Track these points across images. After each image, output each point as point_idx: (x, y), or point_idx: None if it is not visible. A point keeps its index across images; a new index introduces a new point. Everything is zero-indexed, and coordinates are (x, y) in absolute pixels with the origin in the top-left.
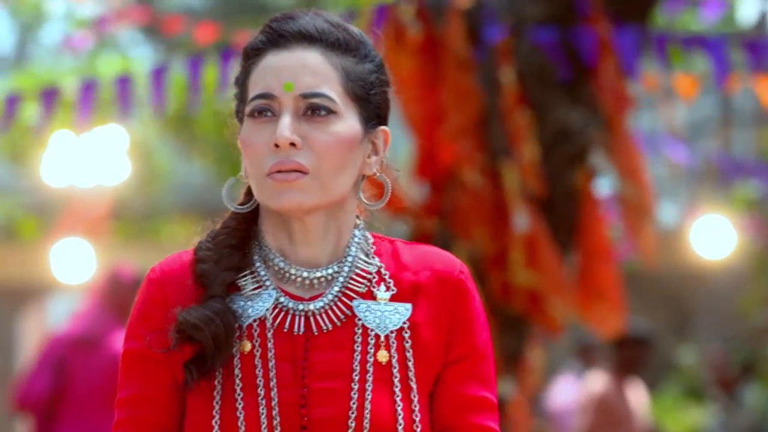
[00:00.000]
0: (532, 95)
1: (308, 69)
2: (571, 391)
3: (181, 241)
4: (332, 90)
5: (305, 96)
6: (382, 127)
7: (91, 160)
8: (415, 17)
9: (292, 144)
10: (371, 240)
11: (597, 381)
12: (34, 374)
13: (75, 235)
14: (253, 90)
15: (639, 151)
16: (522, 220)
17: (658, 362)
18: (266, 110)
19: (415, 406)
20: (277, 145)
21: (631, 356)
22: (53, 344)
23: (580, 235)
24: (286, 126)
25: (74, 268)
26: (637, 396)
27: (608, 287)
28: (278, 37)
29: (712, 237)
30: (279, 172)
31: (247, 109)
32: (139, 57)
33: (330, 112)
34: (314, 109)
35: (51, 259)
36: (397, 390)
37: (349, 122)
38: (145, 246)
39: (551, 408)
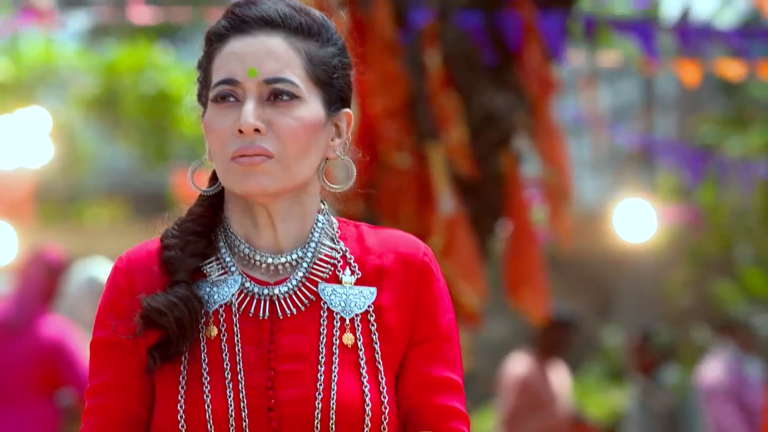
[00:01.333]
0: (459, 79)
1: (271, 54)
2: (723, 369)
3: (105, 224)
4: (295, 75)
5: (269, 81)
6: (345, 110)
7: (14, 142)
8: (342, 1)
9: (257, 130)
10: (336, 224)
11: (519, 363)
12: None
13: None
14: (217, 75)
15: (561, 135)
16: (447, 203)
17: (581, 344)
18: (230, 95)
19: (383, 388)
20: (241, 131)
21: (554, 339)
22: None
23: (506, 219)
24: (250, 112)
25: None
26: (560, 378)
27: (534, 271)
28: (241, 22)
29: (634, 220)
30: (242, 156)
31: (211, 94)
32: (64, 37)
33: (293, 96)
34: (277, 95)
35: None
36: (363, 372)
37: (312, 106)
38: (69, 229)
39: (704, 386)
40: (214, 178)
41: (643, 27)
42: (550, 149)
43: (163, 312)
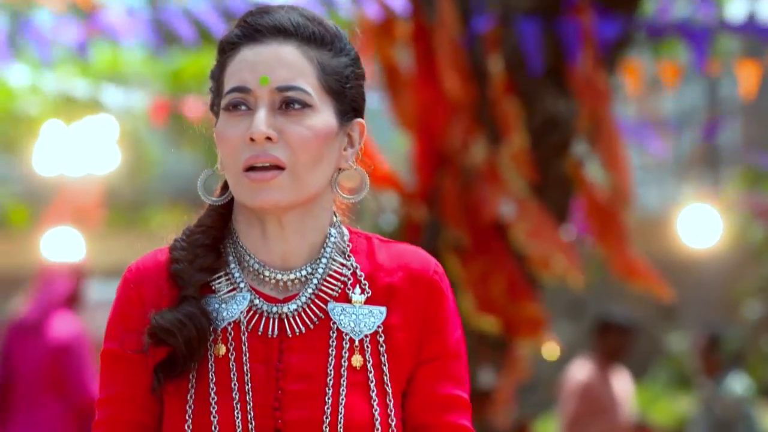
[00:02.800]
0: (520, 84)
1: (283, 63)
2: None
3: (171, 230)
4: (307, 83)
5: (280, 89)
6: (358, 120)
7: (82, 149)
8: (407, 4)
9: (268, 138)
10: (347, 236)
11: (581, 369)
12: None
13: (65, 223)
14: (229, 84)
15: (621, 140)
16: (513, 206)
17: (647, 350)
18: (241, 104)
19: (391, 410)
20: (252, 139)
21: (614, 344)
22: (4, 330)
23: (596, 224)
24: (261, 120)
25: (65, 257)
26: (622, 384)
27: (638, 266)
28: (253, 31)
29: (699, 226)
30: (254, 168)
31: (223, 102)
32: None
33: (305, 105)
34: (289, 103)
35: (42, 247)
36: (373, 395)
37: (324, 115)
38: (136, 235)
39: None
40: (224, 187)
41: (701, 32)
42: (611, 155)
43: (171, 331)
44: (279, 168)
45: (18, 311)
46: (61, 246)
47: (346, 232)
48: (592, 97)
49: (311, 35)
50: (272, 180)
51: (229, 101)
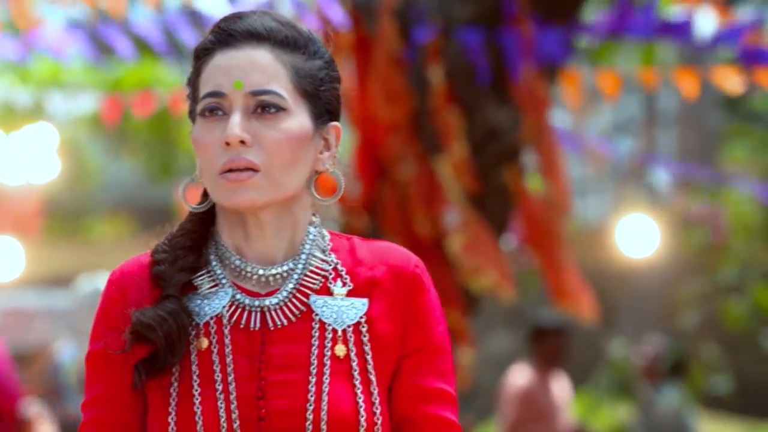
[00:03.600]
0: (461, 95)
1: (257, 67)
2: None
3: (111, 240)
4: (282, 87)
5: (255, 93)
6: (334, 123)
7: (21, 157)
8: (347, 17)
9: (242, 142)
10: (328, 237)
11: (520, 374)
12: None
13: (4, 232)
14: (204, 89)
15: (559, 150)
16: (454, 216)
17: (587, 356)
18: (217, 109)
19: (375, 399)
20: (228, 143)
21: (550, 348)
22: None
23: (519, 229)
24: (236, 124)
25: (4, 265)
26: (561, 389)
27: (566, 273)
28: (227, 36)
29: (637, 236)
30: (230, 170)
31: (198, 107)
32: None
33: (280, 109)
34: (264, 107)
35: None
36: (357, 383)
37: (299, 119)
38: (75, 244)
39: None
40: (204, 194)
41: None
42: (549, 164)
43: (152, 326)
44: (254, 171)
45: None
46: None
47: (326, 233)
48: (533, 107)
49: (284, 39)
50: (248, 180)
51: (205, 106)
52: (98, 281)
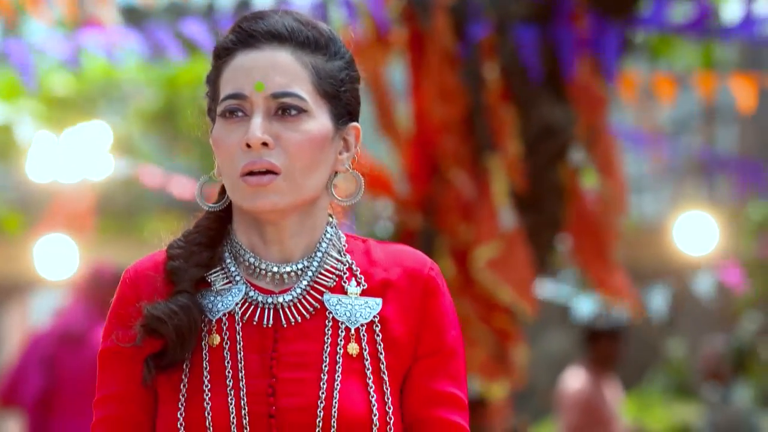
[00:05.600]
0: (516, 92)
1: (278, 68)
2: None
3: (164, 237)
4: (303, 89)
5: (276, 96)
6: (353, 124)
7: (75, 156)
8: (401, 14)
9: (264, 144)
10: (344, 238)
11: (576, 378)
12: (21, 371)
13: (59, 231)
14: (224, 90)
15: (617, 148)
16: (508, 216)
17: (643, 356)
18: (237, 110)
19: (388, 398)
20: (248, 145)
21: (605, 351)
22: (40, 341)
23: (579, 231)
24: (257, 126)
25: (58, 264)
26: (614, 393)
27: (610, 272)
28: (248, 37)
29: (696, 233)
30: (251, 173)
31: (219, 109)
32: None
33: (301, 111)
34: (285, 109)
35: (35, 255)
36: (370, 382)
37: (320, 120)
38: (129, 242)
39: None
40: (221, 192)
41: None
42: (606, 163)
43: (162, 320)
44: (275, 173)
45: (53, 321)
46: (55, 253)
47: (342, 234)
48: (588, 104)
49: (305, 40)
50: (269, 184)
51: (225, 107)
52: None
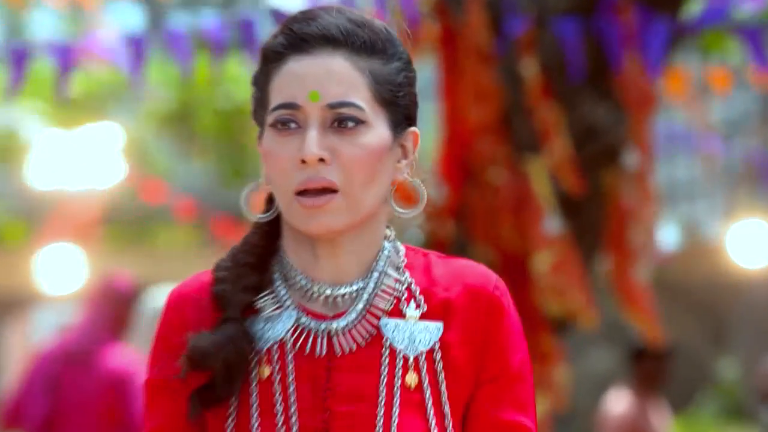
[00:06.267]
0: (558, 90)
1: (334, 76)
2: None
3: (179, 248)
4: (360, 98)
5: (332, 106)
6: (411, 129)
7: (83, 160)
8: (433, 9)
9: (321, 159)
10: (403, 252)
11: (620, 401)
12: (25, 391)
13: (64, 240)
14: (276, 98)
15: (652, 154)
16: (554, 222)
17: (692, 376)
18: (290, 121)
19: None
20: (303, 161)
21: (650, 372)
22: (45, 360)
23: (610, 239)
24: (313, 141)
25: (63, 276)
26: (661, 417)
27: (637, 293)
28: (300, 40)
29: (751, 244)
30: (306, 191)
31: (270, 118)
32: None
33: (359, 122)
34: (342, 120)
35: (38, 266)
36: (430, 415)
37: (378, 130)
38: (141, 253)
39: None
40: (269, 201)
41: (754, 32)
42: (640, 169)
43: (209, 353)
44: (332, 191)
45: (59, 338)
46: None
47: (401, 247)
48: (637, 103)
49: (362, 43)
50: (326, 205)
51: (277, 118)
52: (161, 296)
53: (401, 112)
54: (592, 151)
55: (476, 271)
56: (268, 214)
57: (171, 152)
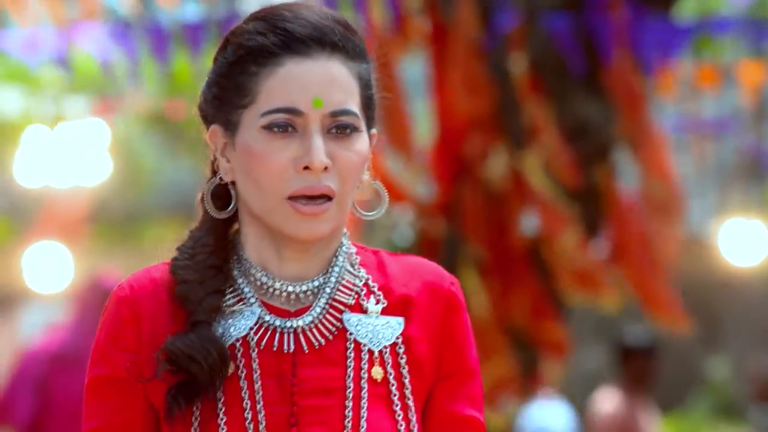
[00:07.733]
0: (547, 86)
1: (335, 83)
2: None
3: (167, 246)
4: (355, 104)
5: (334, 114)
6: (373, 131)
7: (69, 157)
8: (424, 4)
9: (325, 167)
10: (354, 250)
11: (608, 400)
12: (12, 392)
13: (50, 238)
14: (273, 101)
15: (664, 145)
16: (531, 221)
17: (683, 376)
18: (288, 125)
19: (414, 426)
20: (306, 168)
21: (638, 369)
22: (31, 360)
23: (609, 234)
24: (321, 150)
25: (49, 275)
26: (649, 416)
27: (652, 281)
28: (296, 42)
29: (743, 242)
30: (305, 197)
31: (263, 120)
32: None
33: (354, 129)
34: (340, 127)
35: (24, 264)
36: (397, 408)
37: (365, 136)
38: (128, 251)
39: None
40: (227, 197)
41: (749, 26)
42: (654, 160)
43: (195, 359)
44: (329, 198)
45: (46, 338)
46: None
47: (352, 246)
48: (628, 100)
49: (354, 48)
50: (323, 213)
51: (273, 121)
52: None
53: (372, 114)
54: (582, 147)
55: (431, 267)
56: (228, 210)
57: (158, 150)
